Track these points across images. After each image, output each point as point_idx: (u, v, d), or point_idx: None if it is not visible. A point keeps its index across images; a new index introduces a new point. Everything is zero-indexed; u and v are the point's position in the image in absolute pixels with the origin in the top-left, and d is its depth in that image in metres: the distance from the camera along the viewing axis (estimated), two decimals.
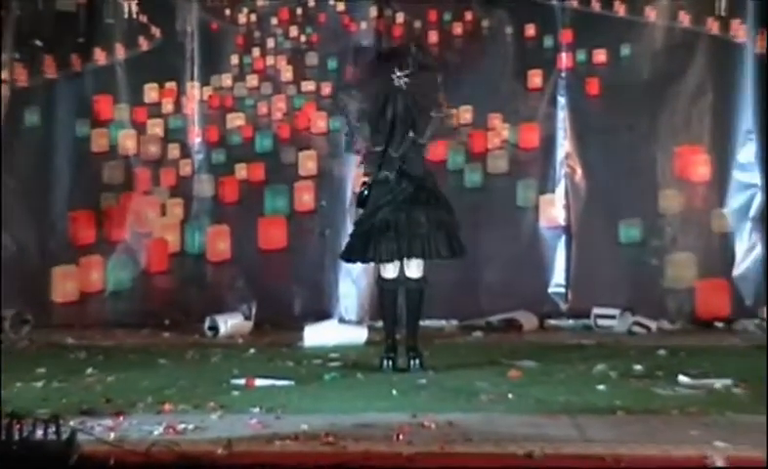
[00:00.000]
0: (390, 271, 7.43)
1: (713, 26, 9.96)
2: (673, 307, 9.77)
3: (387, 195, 7.32)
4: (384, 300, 7.59)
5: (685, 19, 9.98)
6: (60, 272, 10.03)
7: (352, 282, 9.92)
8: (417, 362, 7.36)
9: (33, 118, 10.19)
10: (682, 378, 6.80)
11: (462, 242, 7.47)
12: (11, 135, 10.05)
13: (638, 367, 7.34)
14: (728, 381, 6.68)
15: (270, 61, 10.38)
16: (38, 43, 10.21)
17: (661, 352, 8.08)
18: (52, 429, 4.69)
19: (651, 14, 10.03)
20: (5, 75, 10.07)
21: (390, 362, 7.38)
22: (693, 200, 9.92)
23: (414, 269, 7.40)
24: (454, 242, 7.40)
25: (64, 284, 10.02)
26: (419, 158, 7.43)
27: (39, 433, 4.68)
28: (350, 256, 7.63)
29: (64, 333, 9.34)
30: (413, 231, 7.25)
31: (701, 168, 9.92)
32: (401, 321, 7.61)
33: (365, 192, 7.47)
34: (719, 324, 9.64)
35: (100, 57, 10.27)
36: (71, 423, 5.13)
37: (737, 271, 9.77)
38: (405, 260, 7.35)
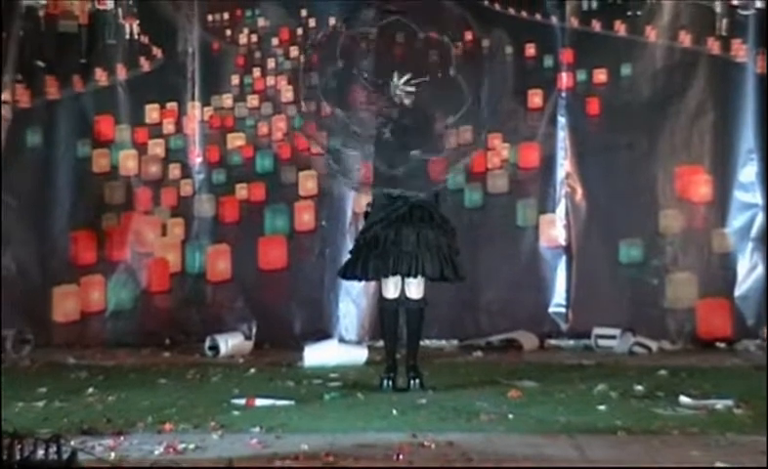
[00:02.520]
0: (390, 291, 7.43)
1: (714, 46, 9.97)
2: (674, 327, 9.76)
3: (381, 213, 7.32)
4: (384, 320, 7.58)
5: (686, 38, 9.99)
6: (61, 291, 10.03)
7: (352, 302, 9.92)
8: (417, 381, 7.36)
9: (35, 139, 10.20)
10: (683, 399, 6.79)
11: (458, 267, 7.39)
12: (13, 155, 10.07)
13: (639, 388, 7.33)
14: (729, 402, 6.68)
15: (270, 81, 10.40)
16: (40, 64, 10.24)
17: (662, 372, 8.08)
18: (53, 449, 4.69)
19: (651, 33, 10.05)
20: (7, 96, 10.09)
21: (390, 382, 7.38)
22: (694, 220, 9.92)
23: (414, 289, 7.40)
24: (446, 265, 7.32)
25: (64, 304, 10.02)
26: (420, 176, 7.40)
27: (40, 452, 4.68)
28: (344, 273, 7.63)
29: (64, 353, 9.35)
30: (400, 248, 7.22)
31: (701, 188, 9.92)
32: (401, 341, 7.60)
33: (368, 211, 7.50)
34: (720, 345, 9.63)
35: (101, 77, 10.29)
36: (72, 443, 5.14)
37: (738, 291, 9.76)
38: (405, 280, 7.35)
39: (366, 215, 7.54)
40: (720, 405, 6.64)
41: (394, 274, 7.32)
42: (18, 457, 4.63)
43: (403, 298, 7.42)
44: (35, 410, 6.64)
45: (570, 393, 7.20)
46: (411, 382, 7.36)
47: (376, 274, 7.36)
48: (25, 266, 10.03)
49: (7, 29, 10.10)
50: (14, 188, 10.05)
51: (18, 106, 10.17)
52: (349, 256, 7.58)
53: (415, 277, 7.33)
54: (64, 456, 4.70)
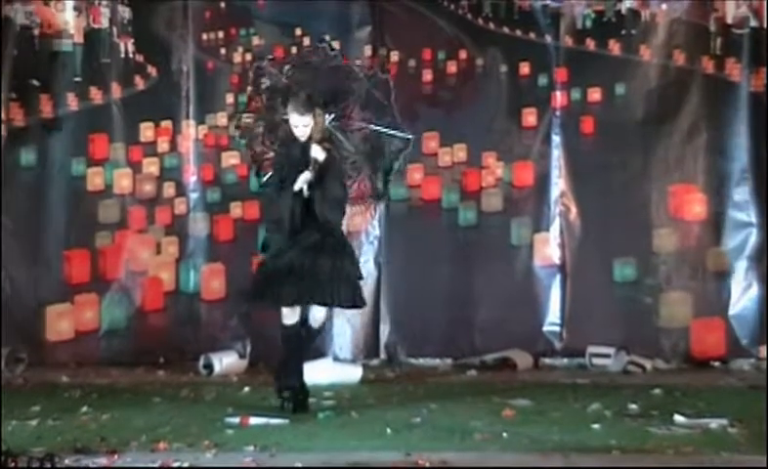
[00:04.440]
0: (291, 317, 7.34)
1: (708, 65, 9.99)
2: (668, 346, 9.75)
3: (291, 240, 7.23)
4: (288, 345, 7.42)
5: (680, 57, 10.01)
6: (54, 310, 10.00)
7: (346, 321, 9.90)
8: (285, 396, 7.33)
9: (29, 157, 10.19)
10: (677, 418, 6.80)
11: (363, 293, 7.48)
12: (7, 174, 10.05)
13: (633, 407, 7.33)
14: (724, 421, 6.68)
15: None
16: (34, 82, 10.24)
17: (657, 391, 8.08)
18: (47, 467, 4.69)
19: (646, 52, 10.07)
20: (1, 115, 10.08)
21: (291, 404, 7.28)
22: (688, 239, 9.92)
23: (319, 315, 7.40)
24: (357, 293, 7.38)
25: (58, 323, 9.99)
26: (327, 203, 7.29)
27: None
28: (251, 298, 7.54)
29: (58, 372, 9.33)
30: (316, 277, 7.18)
31: (695, 207, 9.93)
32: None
33: (266, 235, 7.45)
34: (715, 364, 9.63)
35: (96, 96, 10.29)
36: (66, 461, 5.13)
37: (733, 310, 9.76)
38: (310, 307, 7.34)
39: (265, 241, 7.46)
40: (715, 424, 6.64)
41: (309, 303, 7.30)
42: None
43: (303, 321, 7.36)
44: (29, 429, 6.62)
45: (564, 412, 7.21)
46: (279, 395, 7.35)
47: (290, 301, 7.26)
48: (19, 284, 10.00)
49: (1, 48, 10.11)
50: (8, 206, 10.03)
51: (12, 124, 10.17)
52: (255, 281, 7.45)
53: (332, 306, 7.40)
54: None
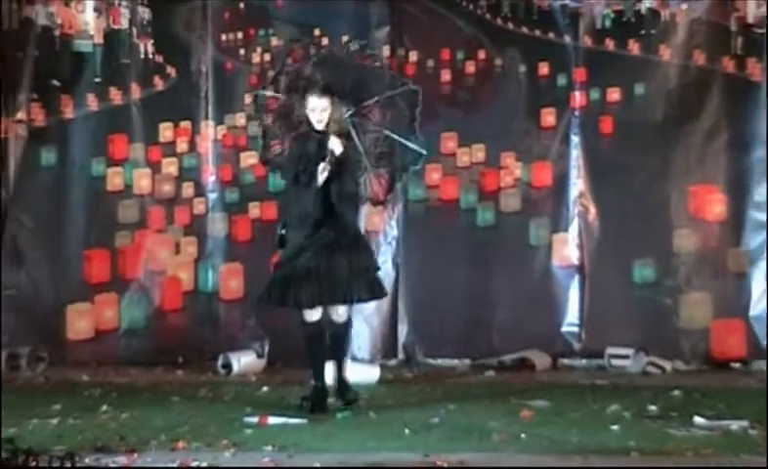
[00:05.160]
0: (313, 314, 7.36)
1: (729, 65, 9.94)
2: (688, 347, 9.71)
3: (307, 239, 7.23)
4: (312, 344, 7.45)
5: (700, 57, 9.97)
6: (74, 309, 10.05)
7: (364, 321, 9.90)
8: (350, 395, 7.37)
9: (50, 157, 10.25)
10: (697, 419, 6.77)
11: (382, 284, 7.55)
12: (27, 174, 10.11)
13: (652, 408, 7.31)
14: (744, 423, 6.65)
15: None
16: (55, 83, 10.29)
17: (676, 392, 8.05)
18: (67, 465, 4.71)
19: (665, 52, 10.04)
20: (22, 115, 10.15)
21: (310, 404, 7.30)
22: (708, 240, 9.87)
23: (341, 312, 7.41)
24: (375, 285, 7.44)
25: (78, 322, 10.04)
26: (343, 198, 7.30)
27: None
28: (269, 300, 7.52)
29: (78, 371, 9.37)
30: (334, 276, 7.19)
31: (716, 207, 9.88)
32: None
33: (283, 232, 7.43)
34: (735, 365, 9.59)
35: (115, 96, 10.34)
36: (86, 460, 5.15)
37: (753, 311, 9.71)
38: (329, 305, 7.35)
39: (282, 238, 7.44)
40: (735, 425, 6.61)
41: (330, 303, 7.31)
42: None
43: (326, 319, 7.39)
44: (49, 428, 6.66)
45: (582, 413, 7.19)
46: (344, 398, 7.37)
47: (310, 304, 7.29)
48: (40, 284, 10.07)
49: (22, 49, 10.17)
50: (28, 206, 10.10)
51: (33, 124, 10.22)
52: (272, 281, 7.44)
53: (352, 303, 7.43)
54: None
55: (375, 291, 7.49)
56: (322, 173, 7.17)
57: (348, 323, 7.60)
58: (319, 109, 7.27)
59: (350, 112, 7.48)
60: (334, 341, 7.50)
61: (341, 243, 7.25)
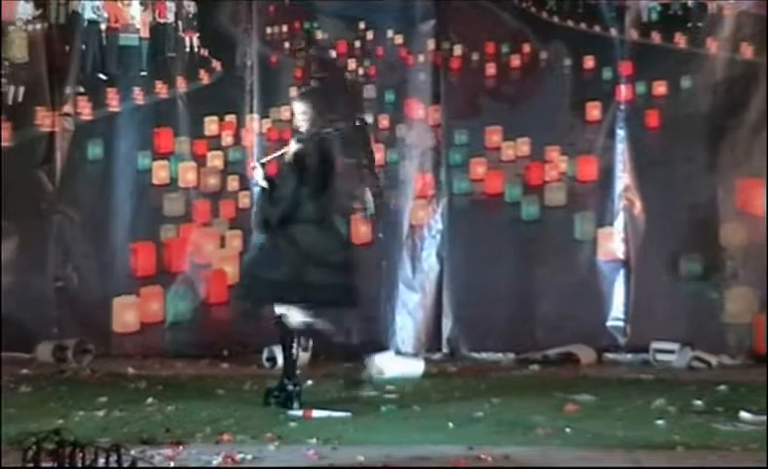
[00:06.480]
0: (283, 312, 7.33)
1: None
2: (734, 342, 9.64)
3: (282, 239, 7.24)
4: (284, 341, 7.43)
5: (747, 50, 9.88)
6: (121, 302, 10.12)
7: (408, 315, 9.92)
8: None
9: (96, 151, 10.32)
10: (743, 414, 6.73)
11: (359, 289, 7.46)
12: (74, 167, 10.20)
13: (698, 403, 7.27)
14: None
15: None
16: (101, 77, 10.37)
17: (722, 387, 8.00)
18: (113, 458, 4.75)
19: (712, 45, 9.95)
20: (69, 109, 10.23)
21: (274, 399, 7.24)
22: (755, 234, 9.78)
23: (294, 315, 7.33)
24: (352, 291, 7.36)
25: (124, 315, 10.11)
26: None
27: (101, 461, 4.74)
28: (238, 298, 7.56)
29: (124, 363, 9.43)
30: (310, 278, 7.17)
31: (763, 201, 9.79)
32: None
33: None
34: None
35: (161, 90, 10.39)
36: (132, 452, 5.18)
37: None
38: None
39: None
40: None
41: (301, 303, 7.27)
42: (79, 466, 4.69)
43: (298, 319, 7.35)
44: (95, 420, 6.71)
45: (627, 407, 7.16)
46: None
47: (273, 303, 7.35)
48: (86, 277, 10.15)
49: (69, 43, 10.25)
50: (75, 200, 10.18)
51: (80, 118, 10.30)
52: (243, 279, 7.57)
53: (326, 307, 7.35)
54: (124, 465, 4.75)
55: (352, 297, 7.38)
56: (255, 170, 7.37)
57: (303, 330, 7.43)
58: (298, 113, 7.44)
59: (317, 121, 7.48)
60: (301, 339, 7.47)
61: (319, 244, 7.23)
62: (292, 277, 7.18)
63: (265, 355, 9.46)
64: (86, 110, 10.32)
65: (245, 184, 10.30)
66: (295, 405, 7.13)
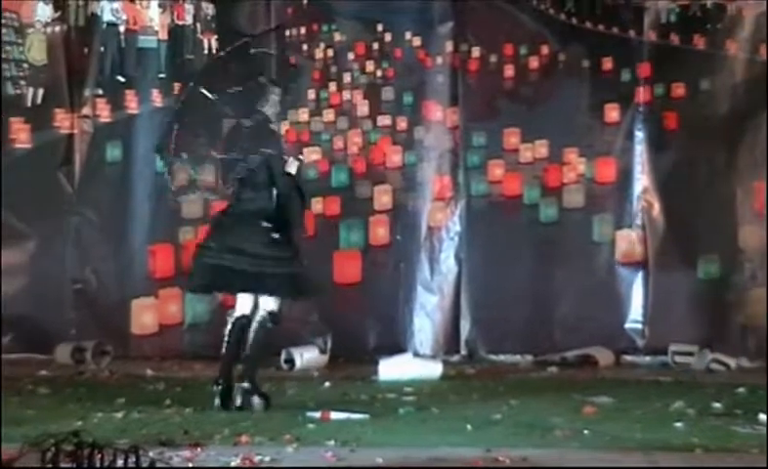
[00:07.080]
0: (243, 307, 7.32)
1: None
2: (753, 344, 9.61)
3: (234, 228, 7.32)
4: (230, 335, 7.38)
5: (766, 51, 9.85)
6: (139, 304, 10.15)
7: (426, 316, 9.91)
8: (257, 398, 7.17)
9: (115, 153, 10.34)
10: (762, 417, 6.69)
11: (311, 282, 7.50)
12: (93, 169, 10.22)
13: (717, 405, 7.24)
14: None
15: (346, 95, 10.44)
16: (120, 79, 10.39)
17: (741, 390, 7.97)
18: (131, 459, 4.75)
19: (731, 47, 9.93)
20: (87, 111, 10.26)
21: (219, 400, 7.15)
22: None
23: (270, 302, 7.30)
24: (301, 281, 7.37)
25: (143, 316, 10.13)
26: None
27: (119, 463, 4.74)
28: (193, 288, 7.77)
29: (143, 365, 9.45)
30: (259, 269, 7.16)
31: None
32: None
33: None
34: None
35: (180, 92, 10.40)
36: (150, 454, 5.18)
37: None
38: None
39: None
40: None
41: (254, 291, 7.28)
42: (97, 467, 4.70)
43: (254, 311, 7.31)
44: (114, 421, 6.72)
45: (646, 410, 7.14)
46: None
47: (232, 291, 7.48)
48: (105, 279, 10.17)
49: (88, 45, 10.28)
50: (94, 201, 10.20)
51: (98, 120, 10.33)
52: (195, 267, 7.57)
53: (275, 296, 7.33)
54: (143, 467, 4.76)
55: (302, 288, 7.43)
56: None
57: (275, 316, 7.37)
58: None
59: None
60: (255, 334, 7.33)
61: (267, 235, 7.24)
62: (231, 265, 7.21)
63: (283, 356, 9.47)
64: (105, 112, 10.35)
65: None
66: (216, 402, 7.08)
